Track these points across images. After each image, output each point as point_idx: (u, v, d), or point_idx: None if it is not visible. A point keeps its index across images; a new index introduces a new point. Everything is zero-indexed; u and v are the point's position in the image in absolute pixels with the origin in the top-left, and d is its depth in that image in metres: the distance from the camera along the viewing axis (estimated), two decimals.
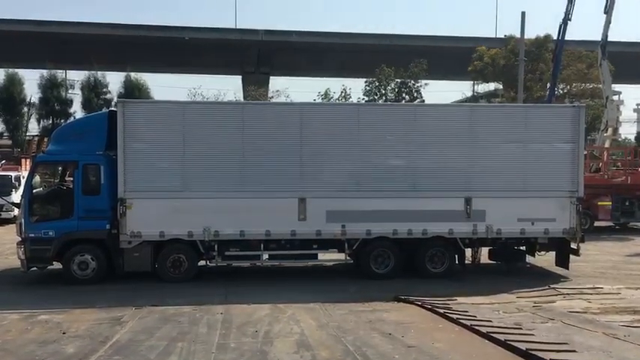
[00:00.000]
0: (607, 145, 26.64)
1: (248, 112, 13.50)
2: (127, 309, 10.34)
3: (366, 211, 12.80)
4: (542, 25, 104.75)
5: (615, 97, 27.81)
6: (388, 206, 12.85)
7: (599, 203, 22.35)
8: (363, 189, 12.86)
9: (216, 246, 12.73)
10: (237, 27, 54.12)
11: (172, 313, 10.07)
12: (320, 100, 35.96)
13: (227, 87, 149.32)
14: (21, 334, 8.89)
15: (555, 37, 29.76)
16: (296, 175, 12.79)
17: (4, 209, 23.13)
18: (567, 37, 28.85)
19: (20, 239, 12.58)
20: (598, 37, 27.23)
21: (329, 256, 13.52)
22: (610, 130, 26.98)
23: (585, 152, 17.72)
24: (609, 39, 26.94)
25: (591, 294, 11.73)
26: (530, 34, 39.77)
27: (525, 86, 33.92)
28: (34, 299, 11.25)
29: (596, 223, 22.43)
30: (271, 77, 53.26)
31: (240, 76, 53.96)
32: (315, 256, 13.41)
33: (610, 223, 23.29)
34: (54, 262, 12.76)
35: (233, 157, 12.69)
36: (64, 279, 12.54)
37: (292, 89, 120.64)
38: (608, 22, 26.45)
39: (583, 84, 40.05)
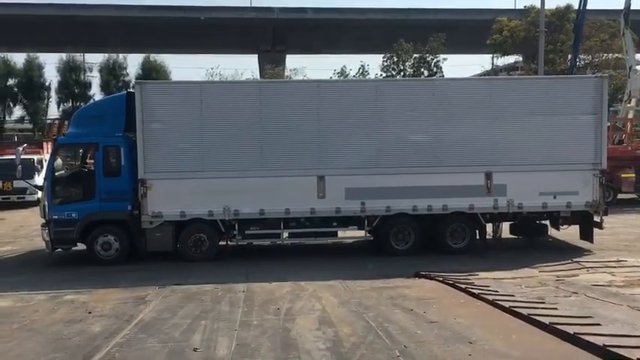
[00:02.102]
0: (630, 116, 26.09)
1: (265, 90, 13.45)
2: (151, 288, 10.48)
3: (385, 187, 12.75)
4: None
5: (639, 67, 27.14)
6: (407, 182, 12.78)
7: (623, 175, 22.03)
8: (382, 165, 12.80)
9: (236, 225, 12.80)
10: (253, 5, 53.95)
11: (195, 292, 10.17)
12: (337, 78, 35.64)
13: (244, 66, 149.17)
14: (48, 314, 9.05)
15: (576, 7, 29.13)
16: (314, 152, 12.75)
17: (27, 192, 23.50)
18: (589, 7, 28.20)
19: (44, 221, 12.78)
20: (621, 6, 26.59)
21: (349, 234, 13.53)
22: (633, 100, 26.39)
23: (608, 124, 17.40)
24: (632, 7, 26.28)
25: (615, 267, 11.60)
26: (551, 4, 38.98)
27: (546, 58, 33.23)
28: (60, 280, 11.45)
29: (620, 196, 22.16)
30: (288, 55, 52.94)
31: (256, 55, 53.75)
32: (334, 234, 13.42)
33: (634, 196, 22.96)
34: (78, 244, 12.96)
35: (251, 135, 12.68)
36: (89, 260, 12.74)
37: (309, 67, 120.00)
38: None
39: (605, 54, 39.20)
